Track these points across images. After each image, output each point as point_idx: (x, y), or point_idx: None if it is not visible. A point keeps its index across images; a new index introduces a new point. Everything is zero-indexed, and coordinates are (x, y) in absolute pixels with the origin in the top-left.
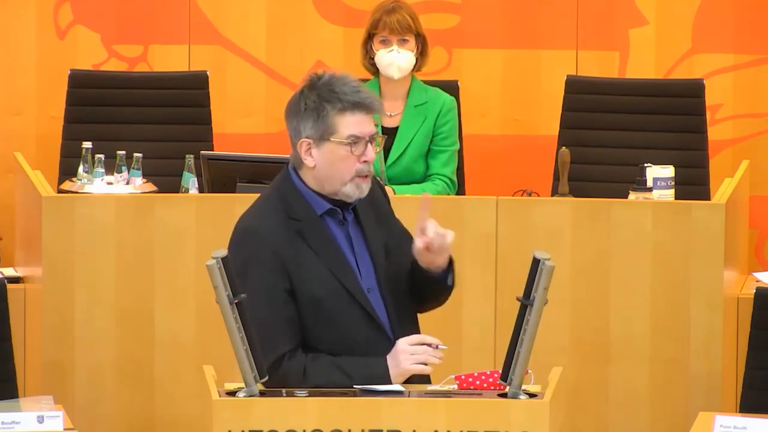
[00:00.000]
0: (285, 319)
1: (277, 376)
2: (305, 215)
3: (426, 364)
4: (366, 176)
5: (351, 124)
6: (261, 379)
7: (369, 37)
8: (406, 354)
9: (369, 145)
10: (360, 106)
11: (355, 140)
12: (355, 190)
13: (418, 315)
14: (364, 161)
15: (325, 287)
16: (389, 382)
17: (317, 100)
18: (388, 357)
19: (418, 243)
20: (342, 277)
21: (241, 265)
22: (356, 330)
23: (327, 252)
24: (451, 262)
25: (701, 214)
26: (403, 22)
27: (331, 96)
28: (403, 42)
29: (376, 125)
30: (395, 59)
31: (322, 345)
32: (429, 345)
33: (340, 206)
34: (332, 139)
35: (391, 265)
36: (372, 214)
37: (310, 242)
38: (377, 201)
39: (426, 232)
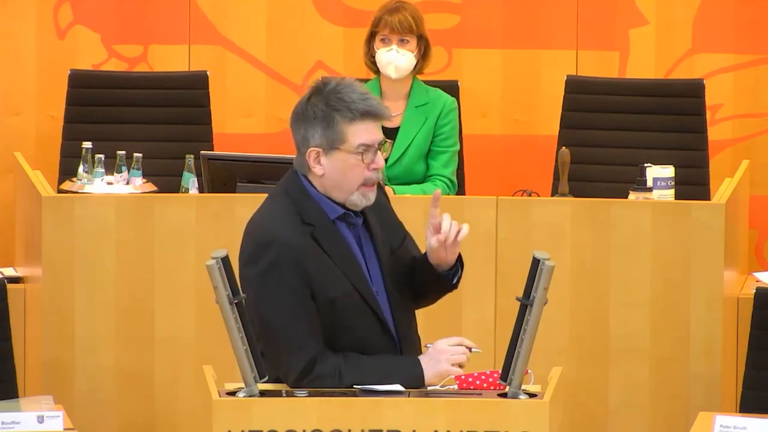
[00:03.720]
0: (311, 321)
1: (310, 378)
2: (318, 220)
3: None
4: (372, 185)
5: (360, 132)
6: (261, 379)
7: (371, 36)
8: (447, 354)
9: (378, 152)
10: (369, 114)
11: (365, 149)
12: (361, 199)
13: (415, 311)
14: (374, 169)
15: (339, 291)
16: (423, 382)
17: (326, 108)
18: (423, 357)
19: (433, 242)
20: (354, 280)
21: (263, 273)
22: (367, 332)
23: (340, 256)
24: (460, 260)
25: (701, 214)
26: (404, 23)
27: (339, 104)
28: (403, 42)
29: None
30: (393, 59)
31: (335, 347)
32: (466, 347)
33: (350, 210)
34: (342, 149)
35: (394, 265)
36: (376, 217)
37: (324, 246)
38: (380, 202)
39: (441, 226)
